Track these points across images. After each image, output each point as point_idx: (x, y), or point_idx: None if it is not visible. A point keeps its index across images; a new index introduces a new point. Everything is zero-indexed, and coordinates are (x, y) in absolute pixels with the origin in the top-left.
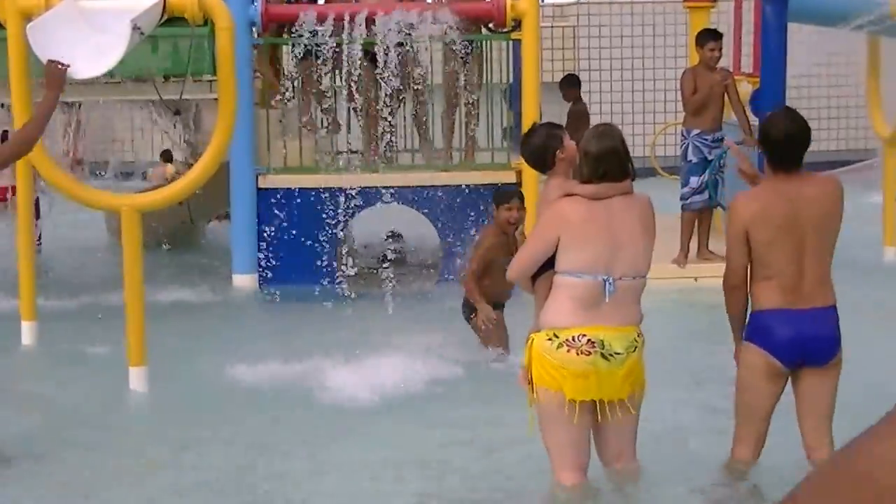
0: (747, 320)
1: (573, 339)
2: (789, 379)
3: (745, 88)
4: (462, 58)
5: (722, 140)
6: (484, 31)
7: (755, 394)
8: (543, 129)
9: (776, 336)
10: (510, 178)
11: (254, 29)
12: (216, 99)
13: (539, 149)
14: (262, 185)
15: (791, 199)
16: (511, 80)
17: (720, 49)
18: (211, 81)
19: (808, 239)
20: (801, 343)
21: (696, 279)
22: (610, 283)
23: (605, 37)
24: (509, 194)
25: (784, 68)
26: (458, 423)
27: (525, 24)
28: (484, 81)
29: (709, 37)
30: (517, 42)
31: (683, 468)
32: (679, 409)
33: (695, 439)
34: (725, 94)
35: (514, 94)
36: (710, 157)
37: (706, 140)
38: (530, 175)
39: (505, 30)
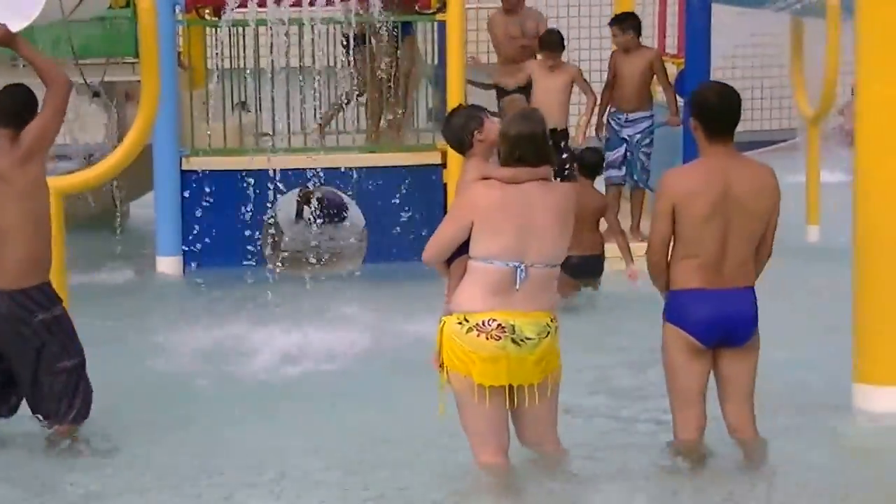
0: (666, 300)
1: (483, 324)
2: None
3: (671, 69)
4: (391, 40)
5: (639, 120)
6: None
7: (683, 374)
8: (464, 110)
9: (695, 315)
10: (436, 158)
11: (177, 10)
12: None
13: (458, 130)
14: (185, 167)
15: (722, 179)
16: (436, 61)
17: (621, 33)
18: (134, 63)
19: (734, 221)
20: (719, 323)
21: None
22: (522, 270)
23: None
24: None
25: (708, 49)
26: (385, 404)
27: (450, 6)
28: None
29: (612, 22)
30: (442, 23)
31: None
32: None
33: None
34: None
35: (439, 76)
36: (622, 136)
37: (619, 119)
38: (455, 157)
39: (430, 11)
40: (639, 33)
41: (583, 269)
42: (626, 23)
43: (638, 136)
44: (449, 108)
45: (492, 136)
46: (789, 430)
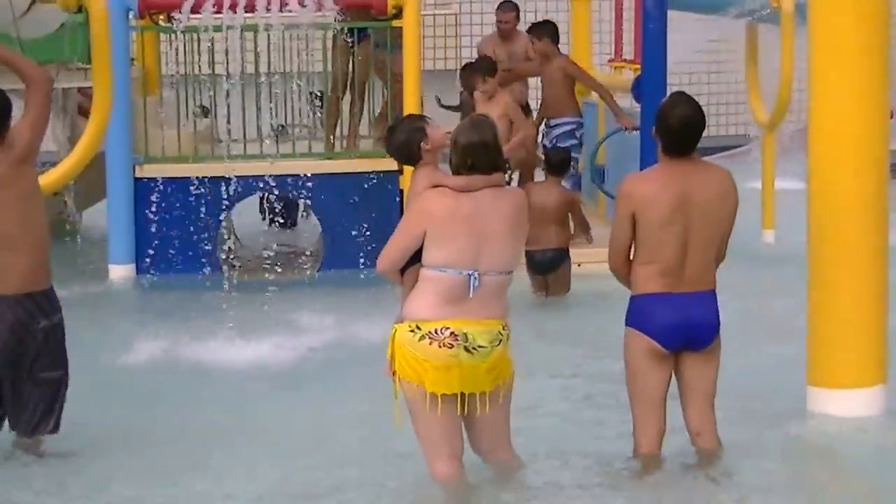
0: (628, 304)
1: (436, 332)
2: None
3: (627, 75)
4: (348, 46)
5: (559, 125)
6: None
7: (645, 379)
8: (405, 123)
9: (657, 320)
10: (392, 165)
11: (131, 15)
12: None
13: (404, 144)
14: (139, 174)
15: (681, 185)
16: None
17: (537, 41)
18: (86, 69)
19: (695, 226)
20: (681, 327)
21: (578, 264)
22: (475, 279)
23: (488, 24)
24: None
25: (665, 55)
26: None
27: (406, 12)
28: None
29: (528, 30)
30: (398, 30)
31: (571, 460)
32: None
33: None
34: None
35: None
36: (543, 142)
37: (546, 126)
38: None
39: (386, 17)
40: (554, 40)
41: (547, 264)
42: (540, 30)
43: (553, 141)
44: (405, 115)
45: (437, 141)
46: (745, 433)
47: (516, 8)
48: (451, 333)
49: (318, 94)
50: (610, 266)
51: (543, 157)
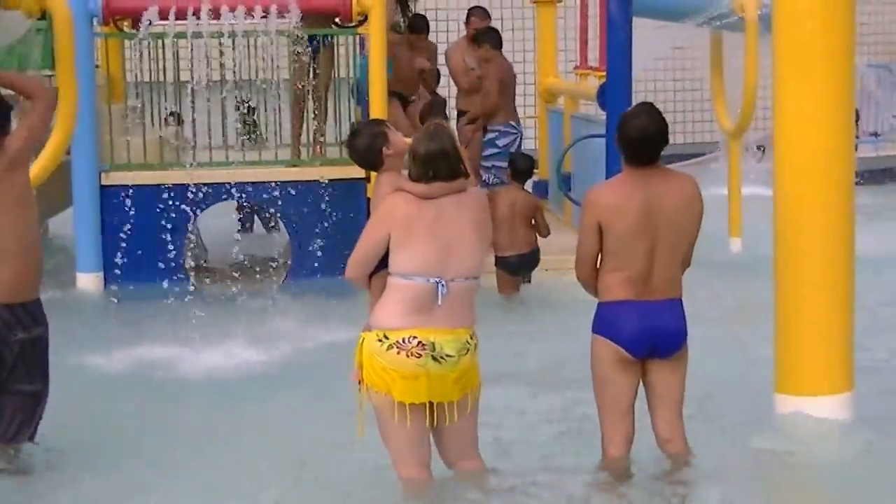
0: (595, 312)
1: (403, 341)
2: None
3: (592, 83)
4: (310, 53)
5: (490, 132)
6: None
7: (612, 386)
8: (366, 129)
9: (624, 327)
10: (358, 172)
11: (95, 22)
12: None
13: (366, 150)
14: (105, 182)
15: (646, 193)
16: (359, 74)
17: (477, 48)
18: (51, 76)
19: (661, 233)
20: (649, 334)
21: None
22: (442, 286)
23: (453, 31)
24: None
25: (630, 63)
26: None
27: (372, 19)
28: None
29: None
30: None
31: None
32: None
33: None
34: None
35: (360, 90)
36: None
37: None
38: None
39: (352, 24)
40: (494, 46)
41: (520, 266)
42: (480, 38)
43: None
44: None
45: (398, 146)
46: (713, 440)
47: (488, 15)
48: (419, 343)
49: (248, 105)
50: (577, 276)
51: (508, 162)
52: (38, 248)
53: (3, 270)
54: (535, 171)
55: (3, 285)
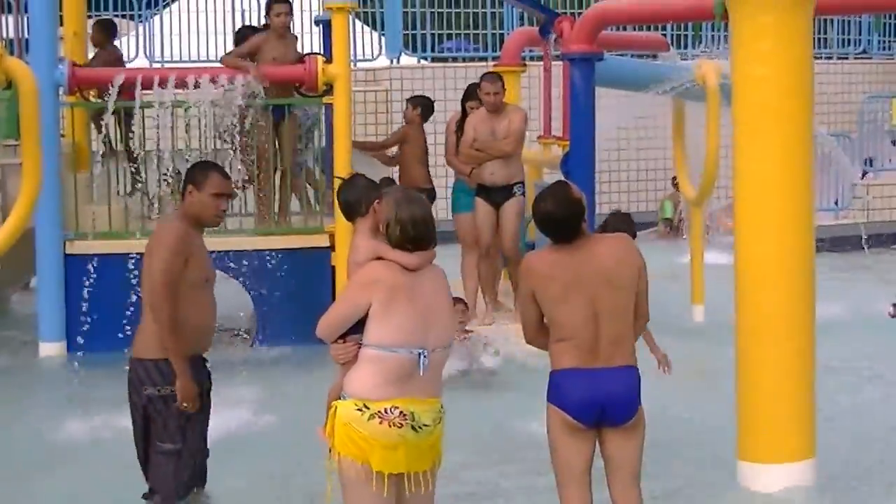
0: (548, 380)
1: (385, 412)
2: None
3: (556, 151)
4: (275, 122)
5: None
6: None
7: (565, 453)
8: (365, 179)
9: (571, 396)
10: (324, 241)
11: (60, 91)
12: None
13: (363, 190)
14: (69, 250)
15: (574, 260)
16: (323, 143)
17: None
18: (16, 146)
19: (600, 298)
20: (595, 402)
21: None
22: (425, 357)
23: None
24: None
25: (592, 131)
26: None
27: (337, 88)
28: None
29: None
30: (329, 106)
31: None
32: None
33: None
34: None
35: (326, 158)
36: None
37: None
38: (342, 238)
39: (317, 94)
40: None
41: None
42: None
43: None
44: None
45: (382, 214)
46: None
47: (501, 78)
48: (400, 413)
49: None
50: (525, 340)
51: None
52: None
53: None
54: None
55: None
